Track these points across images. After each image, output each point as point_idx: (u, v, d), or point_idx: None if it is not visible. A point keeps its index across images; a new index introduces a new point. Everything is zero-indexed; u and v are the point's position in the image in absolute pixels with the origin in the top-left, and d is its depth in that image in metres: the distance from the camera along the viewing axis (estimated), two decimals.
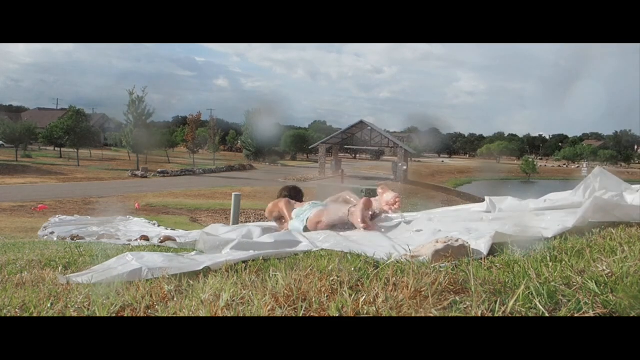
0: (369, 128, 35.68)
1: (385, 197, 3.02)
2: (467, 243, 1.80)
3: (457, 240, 1.81)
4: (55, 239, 5.49)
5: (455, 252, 1.72)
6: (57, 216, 9.45)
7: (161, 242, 3.50)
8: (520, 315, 1.06)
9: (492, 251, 1.81)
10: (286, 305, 1.18)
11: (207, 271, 1.77)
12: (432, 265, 1.52)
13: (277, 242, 2.32)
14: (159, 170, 35.35)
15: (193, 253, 2.31)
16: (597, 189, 2.77)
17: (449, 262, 1.63)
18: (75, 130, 39.59)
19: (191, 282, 1.55)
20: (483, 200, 3.50)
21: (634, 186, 2.88)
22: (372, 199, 3.07)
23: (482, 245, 1.83)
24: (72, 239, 4.86)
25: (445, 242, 1.78)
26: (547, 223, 2.25)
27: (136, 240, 4.00)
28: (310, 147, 42.69)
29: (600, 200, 2.26)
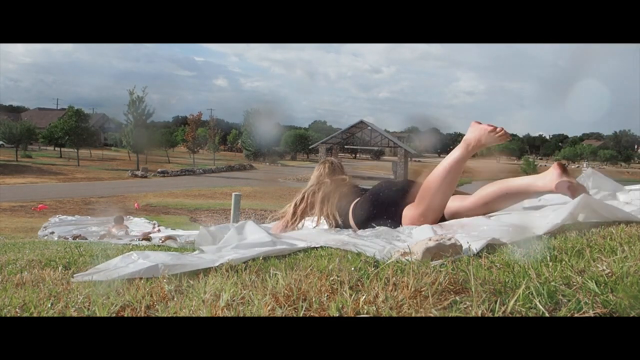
0: (369, 128, 35.67)
1: None
2: (459, 242, 1.81)
3: (449, 239, 1.81)
4: (56, 238, 5.50)
5: (446, 251, 1.74)
6: (57, 216, 9.47)
7: (162, 242, 3.52)
8: (520, 315, 1.06)
9: (490, 249, 1.81)
10: (286, 305, 1.18)
11: (207, 271, 1.77)
12: (432, 265, 1.52)
13: (274, 241, 2.35)
14: (159, 170, 35.36)
15: (195, 252, 2.32)
16: (590, 187, 2.78)
17: (440, 259, 1.64)
18: (74, 131, 39.60)
19: (191, 281, 1.55)
20: None
21: (626, 186, 2.89)
22: None
23: (474, 247, 1.83)
24: (74, 239, 4.88)
25: (437, 240, 1.79)
26: (538, 220, 2.25)
27: (138, 239, 4.02)
28: (310, 147, 42.67)
29: (588, 198, 2.26)
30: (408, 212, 2.72)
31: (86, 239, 5.68)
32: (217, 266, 1.79)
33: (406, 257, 1.71)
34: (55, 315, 1.29)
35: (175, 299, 1.38)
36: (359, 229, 2.86)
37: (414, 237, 2.38)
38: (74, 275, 1.80)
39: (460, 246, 1.79)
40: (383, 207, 2.83)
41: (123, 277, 1.71)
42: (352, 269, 1.52)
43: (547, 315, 1.05)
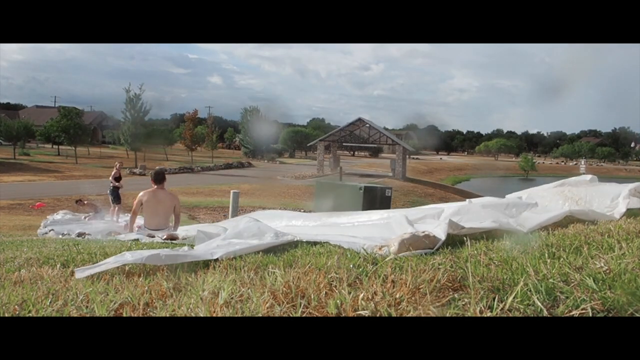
0: (367, 125, 35.59)
1: None
2: (432, 233, 1.96)
3: (423, 232, 1.95)
4: (60, 236, 5.49)
5: (421, 242, 1.87)
6: (57, 213, 9.46)
7: (165, 239, 3.53)
8: (519, 312, 1.06)
9: (488, 247, 1.82)
10: (285, 302, 1.18)
11: (206, 268, 1.77)
12: (431, 263, 1.52)
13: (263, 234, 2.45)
14: (157, 167, 35.24)
15: (185, 248, 2.34)
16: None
17: (414, 250, 1.77)
18: (68, 129, 39.36)
19: (190, 279, 1.55)
20: (479, 197, 3.66)
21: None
22: None
23: (438, 231, 2.02)
24: (79, 236, 4.92)
25: (411, 233, 1.92)
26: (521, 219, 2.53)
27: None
28: (308, 145, 42.51)
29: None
30: None
31: (90, 235, 5.69)
32: (216, 264, 1.81)
33: (383, 249, 1.83)
34: (54, 312, 1.28)
35: (173, 296, 1.38)
36: None
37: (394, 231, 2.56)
38: (75, 269, 1.82)
39: (434, 237, 1.91)
40: None
41: (127, 262, 1.79)
42: (351, 266, 1.52)
43: (545, 312, 1.05)
